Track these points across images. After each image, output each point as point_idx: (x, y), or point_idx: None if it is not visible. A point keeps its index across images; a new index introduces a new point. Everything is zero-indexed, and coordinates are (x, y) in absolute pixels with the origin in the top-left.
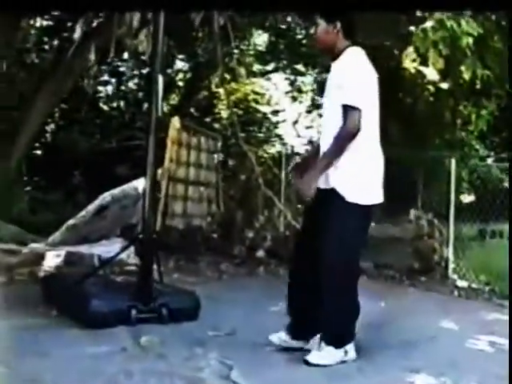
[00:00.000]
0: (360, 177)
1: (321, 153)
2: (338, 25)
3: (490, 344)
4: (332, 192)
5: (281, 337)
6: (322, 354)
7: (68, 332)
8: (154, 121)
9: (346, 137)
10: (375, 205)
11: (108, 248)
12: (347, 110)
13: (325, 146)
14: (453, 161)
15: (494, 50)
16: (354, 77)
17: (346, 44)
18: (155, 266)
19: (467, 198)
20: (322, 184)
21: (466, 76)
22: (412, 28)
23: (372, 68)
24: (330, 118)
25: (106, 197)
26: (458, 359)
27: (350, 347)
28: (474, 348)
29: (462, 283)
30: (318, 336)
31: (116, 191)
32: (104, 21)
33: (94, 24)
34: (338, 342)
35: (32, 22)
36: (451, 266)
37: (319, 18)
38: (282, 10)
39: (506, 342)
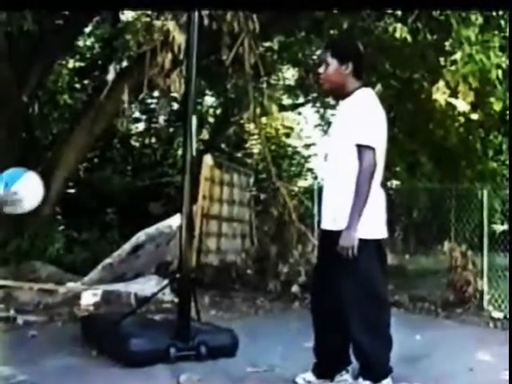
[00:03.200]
0: (365, 214)
1: (325, 188)
2: (350, 65)
3: None
4: (339, 232)
5: (306, 377)
6: None
7: (108, 371)
8: (188, 161)
9: (365, 177)
10: (382, 240)
11: (143, 286)
12: (362, 149)
13: (331, 181)
14: (485, 192)
15: None
16: (368, 116)
17: (357, 85)
18: (192, 304)
19: (500, 228)
20: (329, 225)
21: (496, 107)
22: (441, 59)
23: (383, 110)
24: (338, 156)
25: (140, 236)
26: None
27: (388, 382)
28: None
29: (497, 314)
30: (345, 372)
31: (151, 230)
32: (136, 62)
33: (126, 64)
34: (375, 376)
35: (64, 62)
36: (486, 297)
37: (331, 57)
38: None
39: None
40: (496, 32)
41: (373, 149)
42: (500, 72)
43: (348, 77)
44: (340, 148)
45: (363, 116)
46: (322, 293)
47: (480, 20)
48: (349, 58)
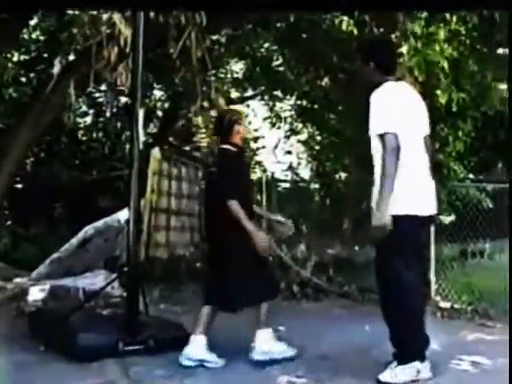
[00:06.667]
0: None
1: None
2: (372, 64)
3: (473, 364)
4: None
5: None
6: None
7: (55, 366)
8: (135, 153)
9: (388, 161)
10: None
11: (92, 280)
12: (382, 137)
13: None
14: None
15: (469, 74)
16: (379, 106)
17: (384, 79)
18: (141, 298)
19: (447, 219)
20: None
21: (442, 100)
22: None
23: (410, 97)
24: (374, 147)
25: (88, 229)
26: (442, 380)
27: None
28: (457, 368)
29: (444, 304)
30: None
31: (98, 224)
32: (82, 55)
33: (72, 58)
34: None
35: (9, 55)
36: (433, 287)
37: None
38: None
39: (489, 362)
40: (441, 25)
41: (389, 133)
42: (446, 64)
43: (373, 72)
44: (373, 140)
45: (375, 106)
46: None
47: (425, 13)
48: (367, 58)
